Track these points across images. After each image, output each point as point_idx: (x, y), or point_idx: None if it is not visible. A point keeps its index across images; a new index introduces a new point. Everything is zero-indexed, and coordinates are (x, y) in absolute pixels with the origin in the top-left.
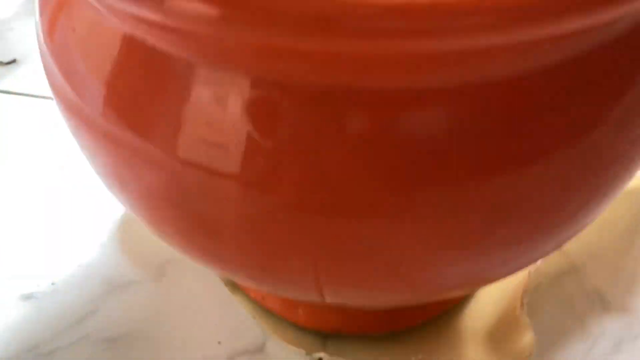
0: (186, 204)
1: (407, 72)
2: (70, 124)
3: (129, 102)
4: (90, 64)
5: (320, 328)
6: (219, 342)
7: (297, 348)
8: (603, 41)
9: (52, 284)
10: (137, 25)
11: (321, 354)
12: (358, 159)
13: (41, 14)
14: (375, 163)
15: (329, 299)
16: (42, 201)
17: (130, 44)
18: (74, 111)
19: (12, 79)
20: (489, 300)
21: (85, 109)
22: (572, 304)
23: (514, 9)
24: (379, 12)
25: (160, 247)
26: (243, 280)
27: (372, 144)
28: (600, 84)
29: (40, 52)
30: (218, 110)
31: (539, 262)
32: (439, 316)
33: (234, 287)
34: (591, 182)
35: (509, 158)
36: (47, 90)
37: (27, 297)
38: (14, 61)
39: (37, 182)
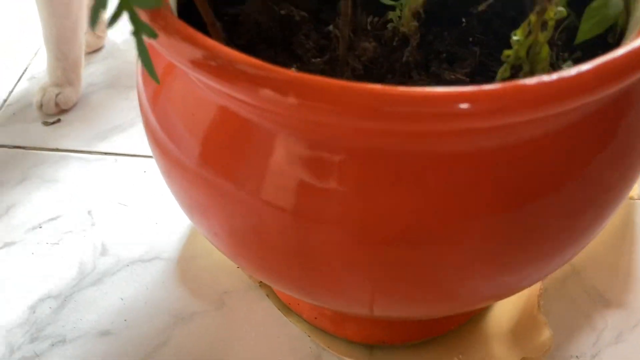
0: (264, 235)
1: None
2: (166, 171)
3: (221, 155)
4: (189, 124)
5: (367, 341)
6: None
7: (349, 358)
8: (585, 114)
9: (125, 320)
10: (231, 101)
11: None
12: (408, 200)
13: (145, 85)
14: (425, 203)
15: (377, 313)
16: (105, 244)
17: (224, 113)
18: (173, 161)
19: (58, 137)
20: (509, 306)
21: (183, 159)
22: (577, 303)
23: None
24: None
25: (218, 280)
26: (303, 297)
27: (423, 189)
28: (582, 144)
29: (143, 113)
30: (293, 166)
31: None
32: (467, 322)
33: (287, 310)
34: (592, 209)
35: (525, 195)
36: (90, 145)
37: (105, 334)
38: (58, 121)
39: (96, 226)
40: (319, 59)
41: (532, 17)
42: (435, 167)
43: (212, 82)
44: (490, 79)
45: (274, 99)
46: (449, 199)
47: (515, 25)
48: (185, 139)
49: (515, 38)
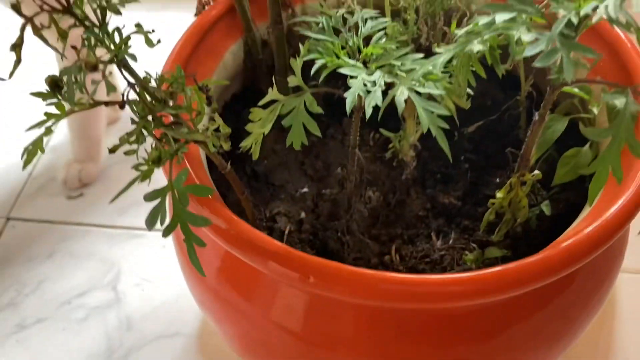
0: (272, 350)
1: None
2: (187, 276)
3: (236, 278)
4: (210, 248)
5: None
6: None
7: None
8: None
9: None
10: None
11: None
12: (407, 341)
13: None
14: (423, 340)
15: None
16: (130, 320)
17: (232, 257)
18: (196, 276)
19: (82, 212)
20: None
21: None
22: None
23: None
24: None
25: (235, 355)
26: None
27: (420, 332)
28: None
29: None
30: (293, 300)
31: None
32: None
33: None
34: (549, 342)
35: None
36: (112, 220)
37: None
38: (81, 195)
39: (121, 301)
40: (329, 190)
41: (513, 179)
42: (429, 318)
43: (245, 259)
44: (480, 202)
45: (296, 278)
46: (441, 338)
47: (502, 144)
48: (207, 256)
49: (498, 195)
